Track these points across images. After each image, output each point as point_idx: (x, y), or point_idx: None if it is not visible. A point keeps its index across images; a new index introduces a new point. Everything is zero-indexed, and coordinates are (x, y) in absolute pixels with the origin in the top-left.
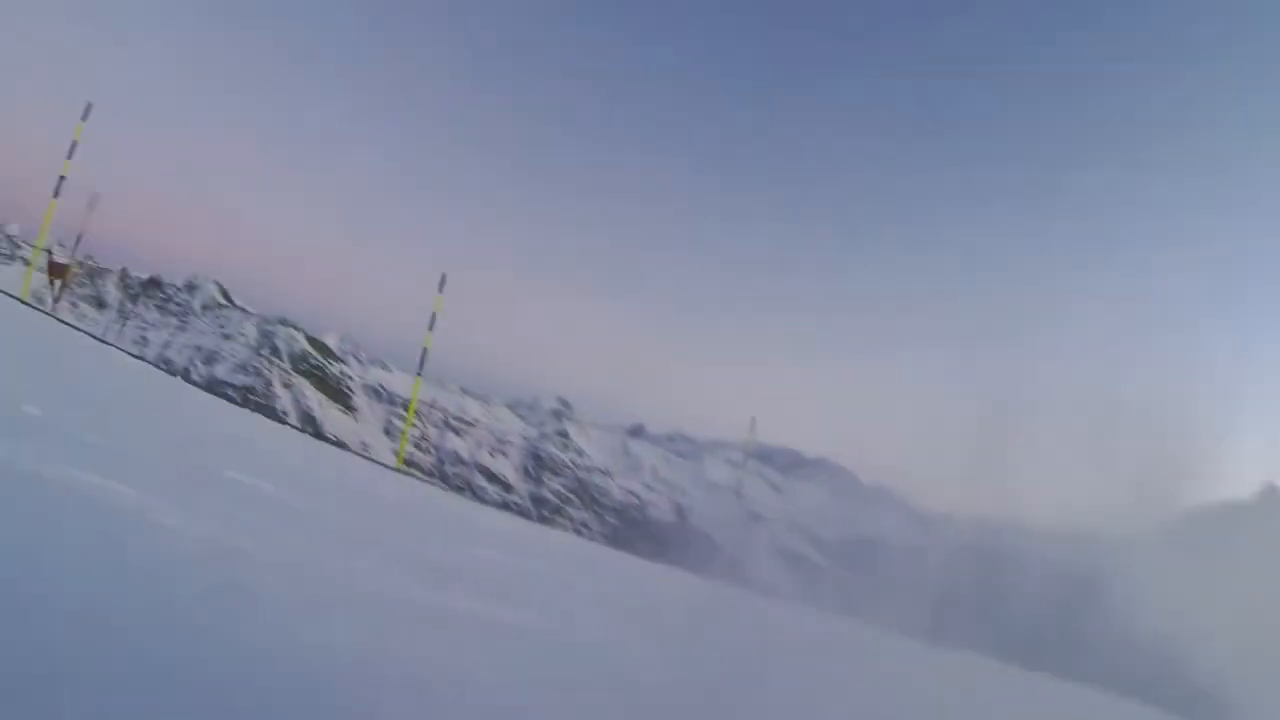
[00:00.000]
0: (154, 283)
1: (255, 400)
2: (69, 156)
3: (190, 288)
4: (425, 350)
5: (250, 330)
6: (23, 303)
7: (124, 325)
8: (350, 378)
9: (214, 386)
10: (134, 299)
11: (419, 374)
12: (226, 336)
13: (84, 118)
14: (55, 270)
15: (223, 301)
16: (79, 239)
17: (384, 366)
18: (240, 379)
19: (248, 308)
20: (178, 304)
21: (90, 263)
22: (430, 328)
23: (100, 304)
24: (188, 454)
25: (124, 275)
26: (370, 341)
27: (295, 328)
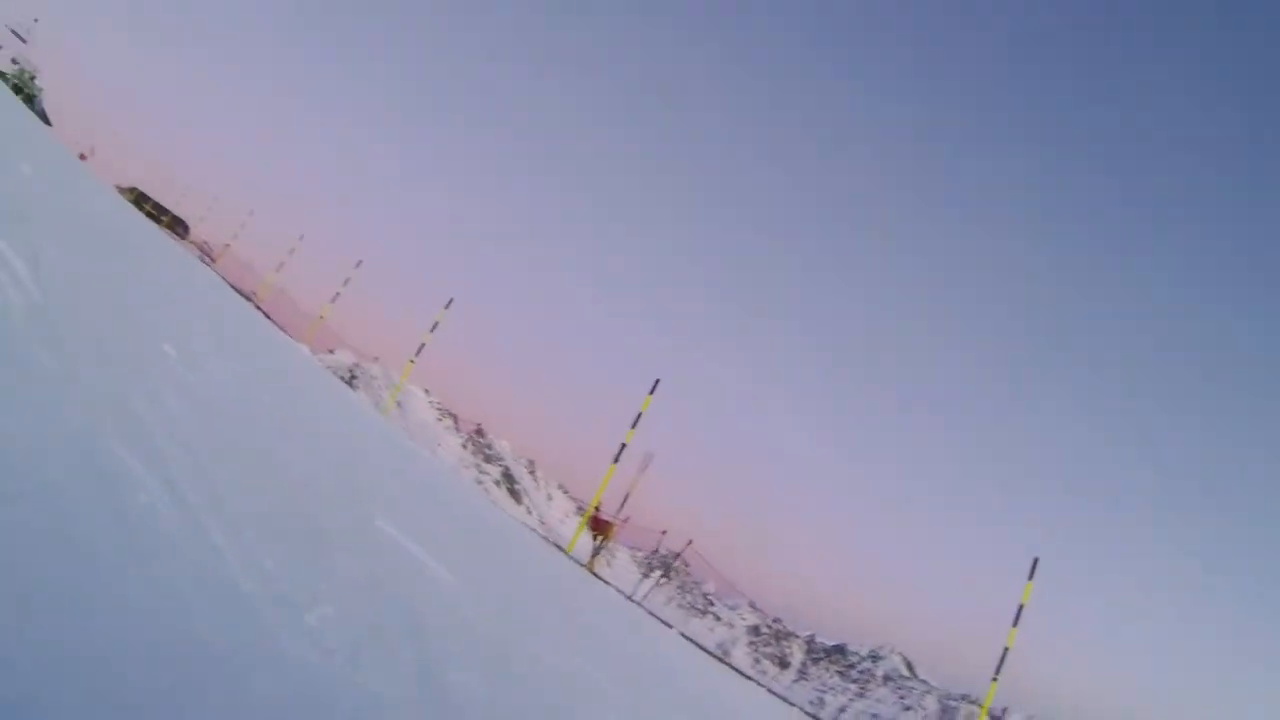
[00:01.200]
0: (838, 649)
1: None
2: (633, 426)
3: (874, 658)
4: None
5: (931, 704)
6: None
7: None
8: None
9: None
10: (815, 662)
11: None
12: (906, 708)
13: (651, 391)
14: (598, 527)
15: (906, 673)
16: (626, 497)
17: None
18: None
19: (930, 681)
20: (859, 672)
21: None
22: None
23: (783, 664)
24: None
25: (810, 640)
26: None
27: (977, 704)
